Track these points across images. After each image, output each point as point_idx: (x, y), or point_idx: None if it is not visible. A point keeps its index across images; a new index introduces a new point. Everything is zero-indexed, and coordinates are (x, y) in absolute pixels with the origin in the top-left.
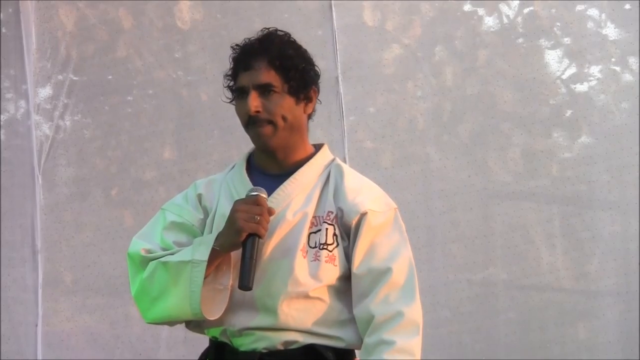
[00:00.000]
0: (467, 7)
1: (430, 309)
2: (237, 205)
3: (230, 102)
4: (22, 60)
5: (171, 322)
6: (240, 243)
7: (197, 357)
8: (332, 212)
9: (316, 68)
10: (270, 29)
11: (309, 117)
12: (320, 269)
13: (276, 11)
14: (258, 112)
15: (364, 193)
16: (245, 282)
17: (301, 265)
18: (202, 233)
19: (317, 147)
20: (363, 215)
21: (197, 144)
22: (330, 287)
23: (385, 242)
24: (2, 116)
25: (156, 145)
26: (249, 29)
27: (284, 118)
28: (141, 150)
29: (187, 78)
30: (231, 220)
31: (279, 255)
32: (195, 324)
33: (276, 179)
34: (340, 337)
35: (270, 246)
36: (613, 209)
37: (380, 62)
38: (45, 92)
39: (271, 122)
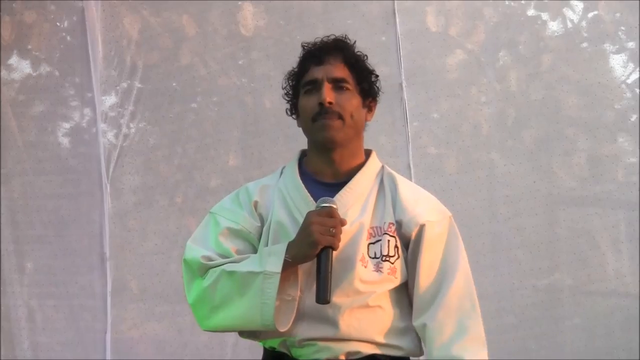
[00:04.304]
0: (531, 11)
1: (496, 315)
2: (312, 218)
3: (289, 101)
4: (88, 68)
5: (228, 331)
6: (314, 256)
7: None
8: (392, 224)
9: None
10: (340, 36)
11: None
12: (381, 280)
13: (339, 17)
14: (331, 103)
15: (420, 204)
16: (324, 295)
17: (361, 275)
18: (259, 241)
19: (367, 154)
20: (422, 227)
21: (262, 151)
22: (388, 295)
23: (444, 253)
24: (67, 124)
25: (221, 152)
26: (312, 35)
27: (351, 116)
28: (206, 157)
29: (251, 85)
30: (306, 232)
31: (339, 266)
32: (250, 333)
33: (329, 188)
34: (400, 345)
35: None
36: None
37: (443, 67)
38: (111, 100)
39: (341, 117)
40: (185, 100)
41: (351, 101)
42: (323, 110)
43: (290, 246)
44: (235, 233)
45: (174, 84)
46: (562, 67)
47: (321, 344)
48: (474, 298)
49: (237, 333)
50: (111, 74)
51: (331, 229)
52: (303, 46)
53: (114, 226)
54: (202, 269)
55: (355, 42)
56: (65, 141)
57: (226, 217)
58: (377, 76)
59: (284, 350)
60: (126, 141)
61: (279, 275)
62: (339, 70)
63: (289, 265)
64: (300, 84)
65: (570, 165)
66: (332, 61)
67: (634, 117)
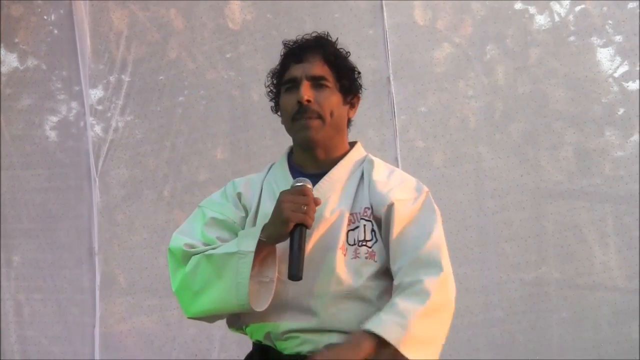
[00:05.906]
0: (518, 5)
1: (483, 308)
2: (283, 196)
3: (271, 99)
4: (75, 61)
5: (212, 317)
6: (288, 234)
7: None
8: (368, 208)
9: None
10: (321, 33)
11: (349, 123)
12: (360, 266)
13: (327, 11)
14: (309, 101)
15: (392, 184)
16: (295, 271)
17: (342, 263)
18: None
19: (352, 146)
20: (391, 205)
21: (251, 144)
22: (372, 283)
23: (417, 225)
24: (54, 117)
25: (209, 146)
26: (300, 29)
27: (331, 114)
28: (195, 151)
29: (239, 79)
30: (278, 211)
31: (319, 255)
32: (236, 324)
33: (315, 178)
34: None
35: (310, 245)
36: None
37: (431, 61)
38: (98, 93)
39: (320, 117)
40: (173, 94)
41: (330, 99)
42: (302, 109)
43: (266, 226)
44: (219, 223)
45: (161, 78)
46: (549, 60)
47: (303, 336)
48: (439, 264)
49: (226, 326)
50: (99, 68)
51: (303, 207)
52: (284, 44)
53: (102, 220)
54: (185, 256)
55: (337, 39)
56: (52, 135)
57: (212, 209)
58: (359, 73)
59: (269, 343)
60: (113, 135)
61: (252, 254)
62: (318, 68)
63: (265, 246)
64: (281, 82)
65: (558, 158)
66: (311, 59)
67: (621, 111)
